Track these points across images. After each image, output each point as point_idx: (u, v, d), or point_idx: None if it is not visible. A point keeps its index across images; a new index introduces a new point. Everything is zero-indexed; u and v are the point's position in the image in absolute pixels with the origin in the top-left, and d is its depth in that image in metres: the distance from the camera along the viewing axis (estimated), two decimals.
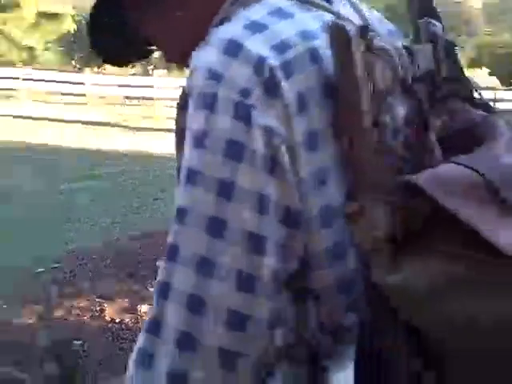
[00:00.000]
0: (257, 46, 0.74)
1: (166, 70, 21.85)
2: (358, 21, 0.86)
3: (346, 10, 0.87)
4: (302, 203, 0.74)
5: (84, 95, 19.56)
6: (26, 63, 20.16)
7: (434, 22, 0.91)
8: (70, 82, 19.28)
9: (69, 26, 18.94)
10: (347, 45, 0.72)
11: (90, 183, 9.81)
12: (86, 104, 19.43)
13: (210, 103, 0.73)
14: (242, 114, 0.73)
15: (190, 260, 0.72)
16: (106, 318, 4.70)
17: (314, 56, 0.77)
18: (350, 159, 0.74)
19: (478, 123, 0.83)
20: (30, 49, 19.84)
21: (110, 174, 10.62)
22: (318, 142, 0.75)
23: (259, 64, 0.73)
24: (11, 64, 19.49)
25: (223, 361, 0.72)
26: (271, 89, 0.73)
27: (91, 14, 0.94)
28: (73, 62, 24.64)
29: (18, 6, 17.13)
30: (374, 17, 0.95)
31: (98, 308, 4.85)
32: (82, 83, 19.36)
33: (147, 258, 5.58)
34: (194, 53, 0.77)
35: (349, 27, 0.73)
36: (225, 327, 0.72)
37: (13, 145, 13.61)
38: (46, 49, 23.42)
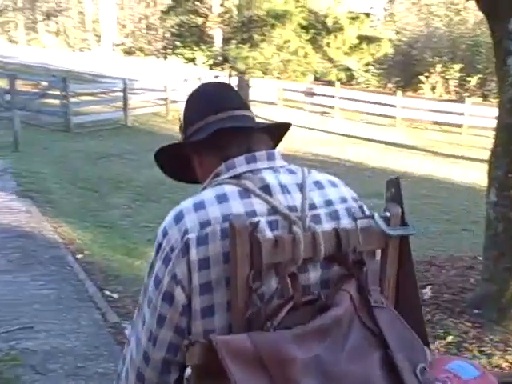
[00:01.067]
0: (190, 220, 1.23)
1: (481, 99, 21.06)
2: (295, 203, 1.27)
3: (285, 197, 1.27)
4: (190, 323, 1.23)
5: (394, 117, 19.85)
6: (343, 83, 21.22)
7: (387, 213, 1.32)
8: (382, 104, 19.71)
9: (387, 49, 19.42)
10: (234, 236, 1.16)
11: (377, 201, 9.91)
12: (394, 126, 19.70)
13: (157, 248, 1.28)
14: (166, 262, 1.24)
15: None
16: None
17: (226, 233, 1.19)
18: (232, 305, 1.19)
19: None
20: (349, 70, 20.78)
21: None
22: (212, 287, 1.20)
23: (184, 233, 1.22)
24: (330, 83, 20.67)
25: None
26: (184, 251, 1.21)
27: (161, 152, 1.49)
28: (389, 85, 25.19)
29: (341, 29, 18.14)
30: (324, 196, 1.32)
31: None
32: (393, 105, 19.66)
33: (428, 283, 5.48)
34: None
35: (245, 223, 1.17)
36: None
37: (322, 158, 14.43)
38: (365, 70, 24.33)
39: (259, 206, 1.24)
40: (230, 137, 1.36)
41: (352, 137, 17.90)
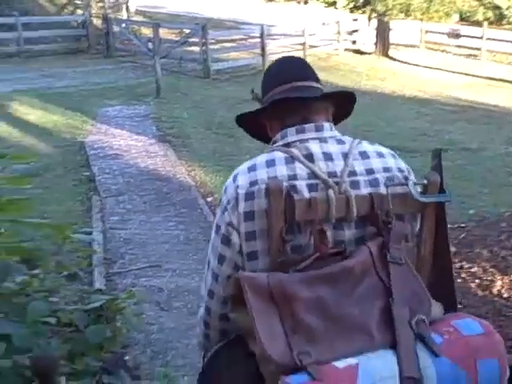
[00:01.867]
0: (242, 179, 1.51)
1: None
2: (336, 169, 1.50)
3: (326, 164, 1.51)
4: (242, 263, 1.50)
5: None
6: (491, 23, 19.86)
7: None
8: None
9: None
10: (269, 195, 1.44)
11: None
12: None
13: (220, 203, 1.58)
14: (223, 211, 1.52)
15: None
16: (493, 290, 4.50)
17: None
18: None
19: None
20: (498, 8, 19.39)
21: None
22: (256, 236, 1.47)
23: (236, 189, 1.50)
24: (477, 24, 19.44)
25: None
26: (235, 203, 1.48)
27: (241, 118, 1.73)
28: None
29: None
30: (366, 165, 1.52)
31: (488, 278, 4.66)
32: None
33: None
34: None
35: (280, 185, 1.44)
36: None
37: (464, 102, 13.76)
38: None
39: (301, 170, 1.49)
40: (288, 106, 1.59)
41: (500, 80, 16.82)
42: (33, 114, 11.25)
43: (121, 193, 6.68)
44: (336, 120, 1.68)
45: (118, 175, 7.33)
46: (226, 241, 1.51)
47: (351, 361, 1.28)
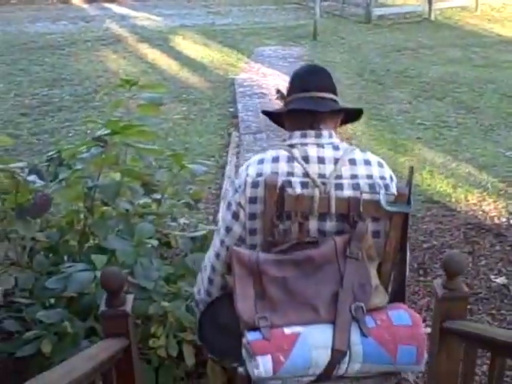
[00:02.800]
0: (252, 170, 1.84)
1: None
2: (326, 172, 1.81)
3: (318, 166, 1.81)
4: (245, 236, 1.84)
5: None
6: None
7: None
8: None
9: None
10: (265, 188, 1.77)
11: None
12: None
13: (231, 184, 1.93)
14: (235, 193, 1.86)
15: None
16: None
17: None
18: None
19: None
20: None
21: None
22: (256, 217, 1.82)
23: (246, 177, 1.84)
24: None
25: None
26: (244, 188, 1.82)
27: (265, 113, 2.10)
28: None
29: None
30: (352, 171, 1.82)
31: None
32: None
33: None
34: None
35: (275, 181, 1.77)
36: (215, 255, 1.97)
37: None
38: None
39: (297, 169, 1.81)
40: (301, 115, 1.90)
41: None
42: (193, 48, 11.66)
43: (259, 131, 6.81)
44: (345, 122, 2.03)
45: (260, 114, 7.44)
46: (236, 216, 1.85)
47: (297, 329, 1.63)
